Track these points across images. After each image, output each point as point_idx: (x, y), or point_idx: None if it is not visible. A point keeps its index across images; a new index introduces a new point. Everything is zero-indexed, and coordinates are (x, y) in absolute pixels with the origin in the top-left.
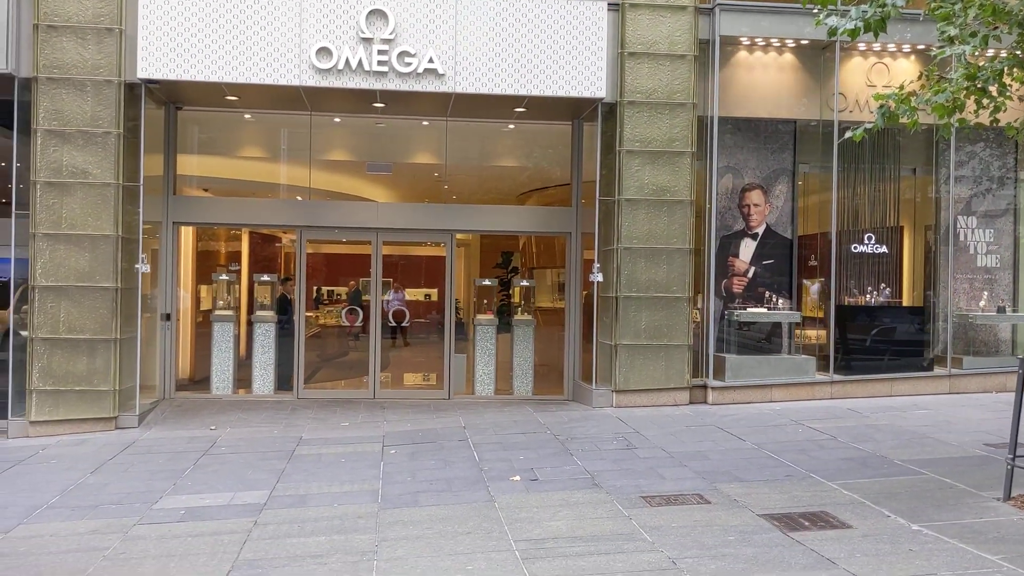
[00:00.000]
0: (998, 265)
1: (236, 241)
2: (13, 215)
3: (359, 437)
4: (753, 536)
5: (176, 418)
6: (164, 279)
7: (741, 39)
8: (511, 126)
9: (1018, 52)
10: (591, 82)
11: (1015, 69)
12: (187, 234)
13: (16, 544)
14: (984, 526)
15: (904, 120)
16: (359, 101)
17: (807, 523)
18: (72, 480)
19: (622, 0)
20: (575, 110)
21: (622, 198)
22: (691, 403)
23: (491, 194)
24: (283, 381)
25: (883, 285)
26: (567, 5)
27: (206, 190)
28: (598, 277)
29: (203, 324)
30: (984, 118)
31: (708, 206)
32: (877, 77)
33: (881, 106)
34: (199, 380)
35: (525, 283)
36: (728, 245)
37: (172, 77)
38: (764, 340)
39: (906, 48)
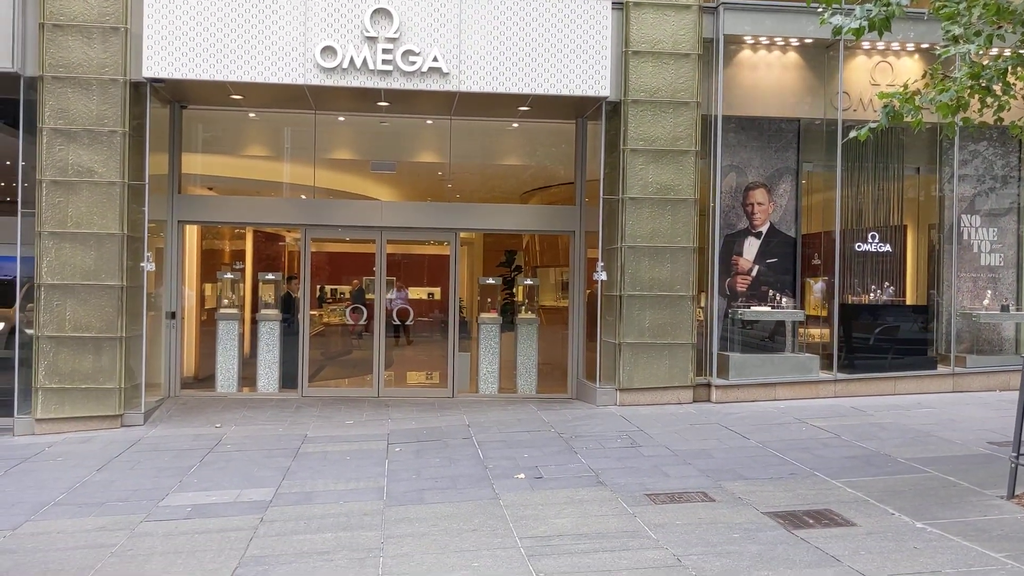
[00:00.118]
0: (1002, 264)
1: (240, 240)
2: (19, 214)
3: (364, 435)
4: (758, 534)
5: (181, 416)
6: (169, 277)
7: (745, 38)
8: (515, 125)
9: (1022, 51)
10: (595, 81)
11: (1019, 68)
12: (192, 233)
13: (24, 541)
14: (988, 524)
15: (908, 119)
16: (363, 100)
17: (811, 521)
18: (78, 477)
19: None
20: (579, 109)
21: (626, 197)
22: (695, 401)
23: (495, 193)
24: (288, 379)
25: (887, 284)
26: (571, 4)
27: (211, 189)
28: (602, 276)
29: (208, 322)
30: (988, 117)
31: (712, 205)
32: (881, 76)
33: (885, 105)
34: (204, 378)
35: (529, 282)
36: (732, 244)
37: (177, 76)
38: (768, 339)
39: (910, 47)
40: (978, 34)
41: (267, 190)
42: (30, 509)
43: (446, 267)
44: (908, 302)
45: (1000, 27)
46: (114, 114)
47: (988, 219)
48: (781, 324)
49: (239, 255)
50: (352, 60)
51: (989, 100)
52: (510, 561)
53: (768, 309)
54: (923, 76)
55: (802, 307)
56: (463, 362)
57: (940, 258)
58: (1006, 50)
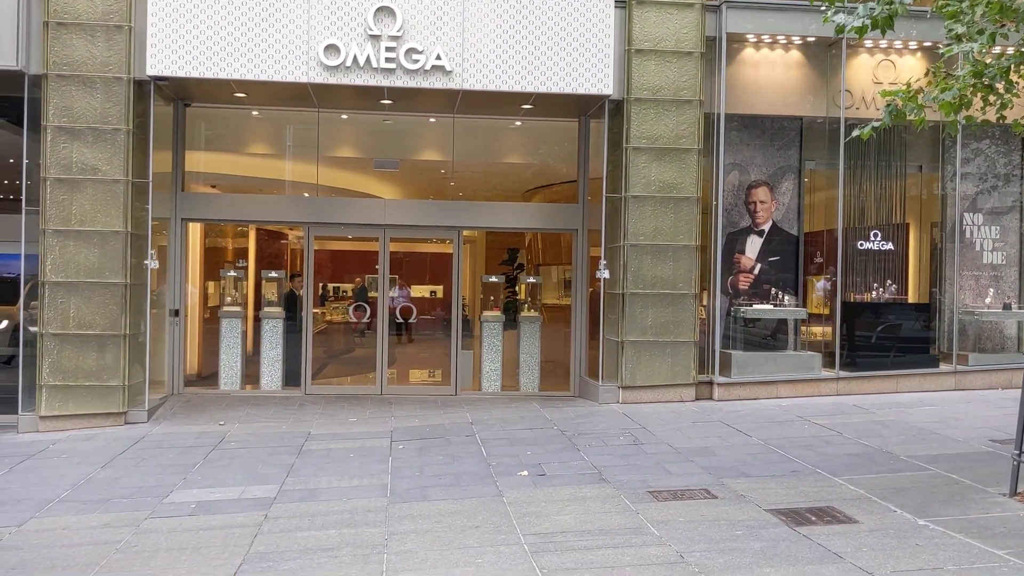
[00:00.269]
0: (1004, 262)
1: (244, 237)
2: (23, 211)
3: (367, 432)
4: (760, 531)
5: (185, 413)
6: (173, 275)
7: (748, 36)
8: (518, 123)
9: None
10: (598, 79)
11: (1022, 66)
12: (195, 230)
13: (29, 537)
14: (990, 521)
15: (911, 118)
16: (367, 98)
17: (814, 518)
18: (83, 474)
19: None
20: (582, 107)
21: (628, 195)
22: (697, 399)
23: (498, 191)
24: (291, 377)
25: (889, 282)
26: (574, 2)
27: (214, 186)
28: (605, 274)
29: (211, 320)
30: (991, 115)
31: (714, 203)
32: (884, 74)
33: (888, 104)
34: (207, 376)
35: (531, 280)
36: (734, 242)
37: (181, 74)
38: (770, 337)
39: (913, 45)
40: (981, 32)
41: (270, 188)
42: (35, 506)
43: (449, 265)
44: (910, 300)
45: (1003, 25)
46: (118, 112)
47: (990, 217)
48: (783, 322)
49: (242, 253)
50: (355, 58)
51: (992, 98)
52: (513, 557)
53: (770, 307)
54: (926, 74)
55: (804, 305)
56: (466, 360)
57: (942, 256)
58: (1009, 48)
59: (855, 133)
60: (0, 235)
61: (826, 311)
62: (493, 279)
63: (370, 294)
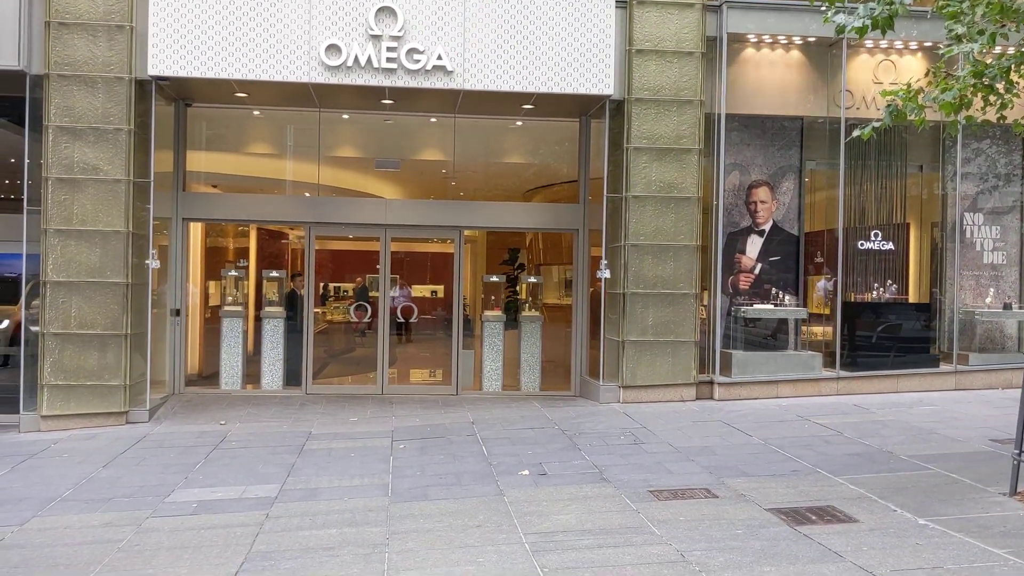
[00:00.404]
0: (1004, 262)
1: (244, 237)
2: (25, 211)
3: (368, 432)
4: (760, 530)
5: (186, 413)
6: (174, 275)
7: (748, 36)
8: (519, 123)
9: None
10: (599, 79)
11: (1022, 66)
12: (196, 230)
13: (32, 536)
14: (990, 520)
15: (912, 118)
16: (368, 98)
17: (814, 517)
18: (85, 474)
19: None
20: (583, 107)
21: (629, 195)
22: (698, 399)
23: (499, 191)
24: (292, 377)
25: (889, 282)
26: (575, 2)
27: (215, 186)
28: (605, 274)
29: (212, 320)
30: (991, 115)
31: (715, 203)
32: (884, 74)
33: (888, 104)
34: (208, 376)
35: (532, 280)
36: (735, 242)
37: (182, 74)
38: (770, 336)
39: (913, 45)
40: (981, 33)
41: (271, 188)
42: (37, 505)
43: (450, 265)
44: (911, 300)
45: (1003, 25)
46: (119, 112)
47: (991, 217)
48: (784, 322)
49: (243, 252)
50: (356, 58)
51: (992, 98)
52: (514, 556)
53: (771, 307)
54: (926, 74)
55: (805, 305)
56: (467, 359)
57: (943, 256)
58: (1009, 48)
59: (855, 133)
60: (2, 235)
61: (826, 311)
62: (494, 279)
63: (371, 294)
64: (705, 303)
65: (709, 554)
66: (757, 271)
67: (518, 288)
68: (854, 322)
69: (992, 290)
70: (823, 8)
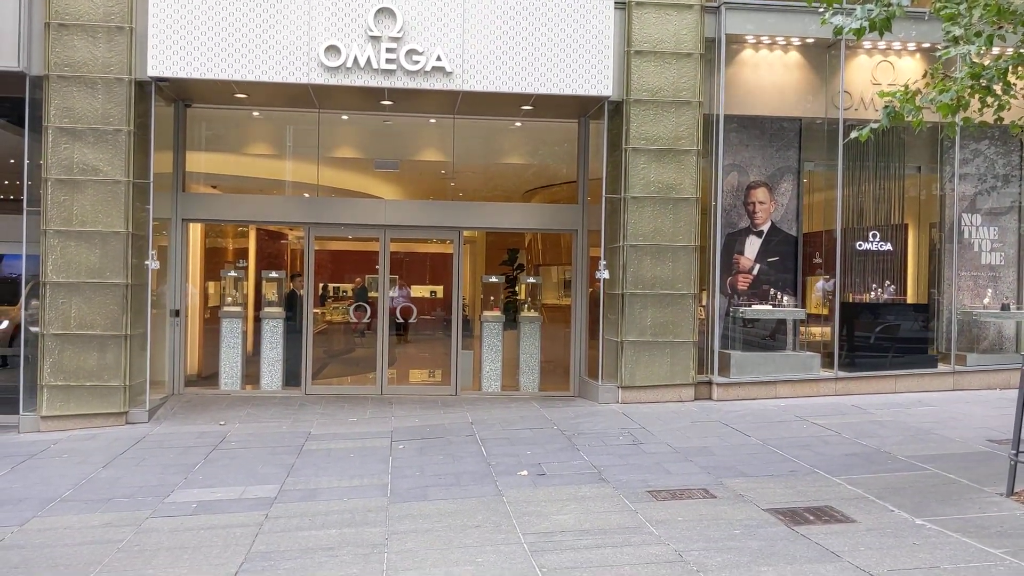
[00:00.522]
0: (1002, 263)
1: (244, 238)
2: (24, 212)
3: (367, 432)
4: (758, 530)
5: (185, 413)
6: (173, 275)
7: (747, 37)
8: (518, 124)
9: (1023, 51)
10: (598, 80)
11: (1020, 68)
12: (196, 231)
13: (32, 536)
14: (987, 520)
15: (909, 119)
16: (367, 99)
17: (812, 517)
18: (84, 474)
19: None
20: (581, 108)
21: (628, 195)
22: (696, 399)
23: (498, 191)
24: (291, 377)
25: (888, 282)
26: (574, 4)
27: (215, 187)
28: (604, 274)
29: (211, 320)
30: (988, 117)
31: (713, 203)
32: (882, 75)
33: (886, 105)
34: (208, 376)
35: (531, 280)
36: (733, 242)
37: (182, 75)
38: (769, 337)
39: (911, 47)
40: (979, 35)
41: (271, 188)
42: (37, 505)
43: (449, 265)
44: (909, 301)
45: (1001, 27)
46: (119, 113)
47: (989, 218)
48: (782, 322)
49: (243, 253)
50: (356, 59)
51: (989, 100)
52: (513, 557)
53: (769, 307)
54: (924, 76)
55: (803, 305)
56: (466, 360)
57: (941, 257)
58: (1007, 50)
59: (853, 134)
60: (1, 235)
61: (825, 311)
62: (493, 279)
63: (370, 294)
64: (704, 304)
65: (707, 554)
66: (755, 272)
67: (517, 288)
68: (852, 323)
69: (990, 291)
70: (821, 9)
